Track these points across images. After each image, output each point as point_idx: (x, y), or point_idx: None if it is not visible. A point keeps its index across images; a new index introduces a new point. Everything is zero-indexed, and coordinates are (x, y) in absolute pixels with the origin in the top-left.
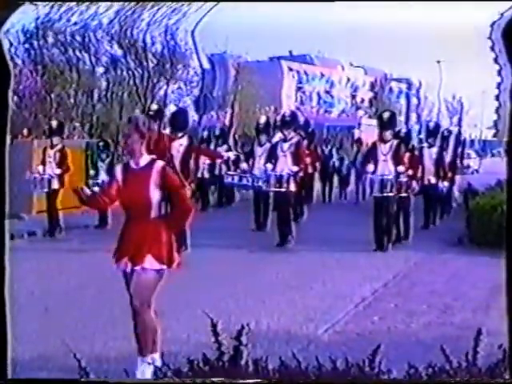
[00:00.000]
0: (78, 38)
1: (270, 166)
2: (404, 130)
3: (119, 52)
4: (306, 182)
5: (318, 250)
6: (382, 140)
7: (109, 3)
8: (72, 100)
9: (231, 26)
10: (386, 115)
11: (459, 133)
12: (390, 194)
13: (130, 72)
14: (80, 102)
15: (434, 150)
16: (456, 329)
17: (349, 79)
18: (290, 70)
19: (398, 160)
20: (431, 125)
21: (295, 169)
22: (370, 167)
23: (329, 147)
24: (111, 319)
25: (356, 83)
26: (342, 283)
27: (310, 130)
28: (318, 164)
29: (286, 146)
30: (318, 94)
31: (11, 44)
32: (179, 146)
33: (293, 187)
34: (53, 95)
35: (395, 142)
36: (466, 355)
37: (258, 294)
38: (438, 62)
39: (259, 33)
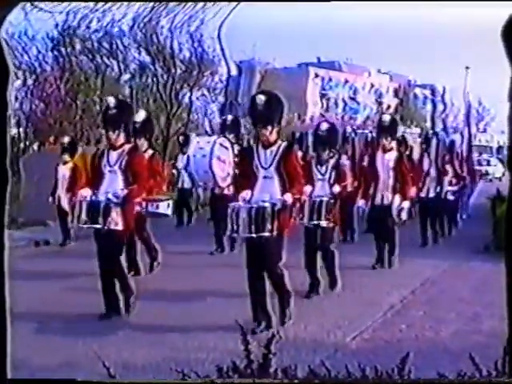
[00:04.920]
0: (106, 45)
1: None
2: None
3: (147, 59)
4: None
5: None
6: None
7: (123, 10)
8: (98, 107)
9: (261, 31)
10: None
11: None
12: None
13: (155, 79)
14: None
15: (393, 154)
16: (485, 337)
17: (373, 85)
18: (316, 76)
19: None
20: (385, 119)
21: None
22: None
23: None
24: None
25: (380, 89)
26: (371, 290)
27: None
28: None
29: (114, 154)
30: (344, 101)
31: (39, 51)
32: None
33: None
34: (78, 102)
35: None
36: (495, 364)
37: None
38: (467, 68)
39: (290, 38)
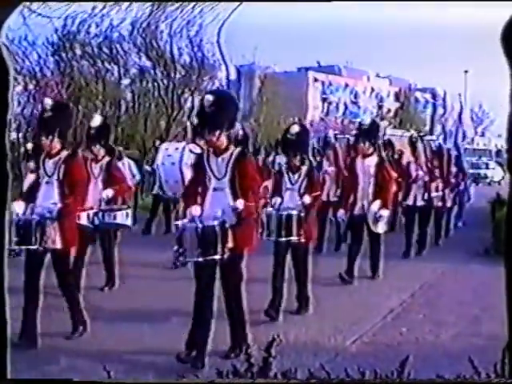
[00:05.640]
0: (106, 50)
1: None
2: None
3: (147, 63)
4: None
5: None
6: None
7: (122, 15)
8: (99, 112)
9: (261, 35)
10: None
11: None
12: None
13: (156, 83)
14: (107, 114)
15: (374, 159)
16: (484, 340)
17: (373, 89)
18: (316, 80)
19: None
20: (366, 121)
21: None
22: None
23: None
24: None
25: (381, 94)
26: (370, 294)
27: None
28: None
29: (50, 163)
30: (345, 105)
31: (40, 56)
32: None
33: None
34: (80, 107)
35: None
36: (494, 366)
37: (285, 305)
38: (466, 71)
39: (290, 40)
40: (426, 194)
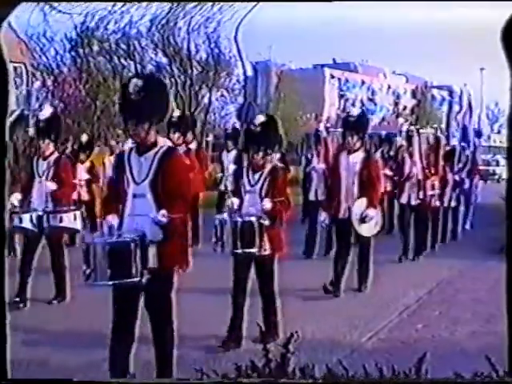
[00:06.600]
0: (123, 46)
1: None
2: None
3: (164, 60)
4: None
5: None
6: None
7: (141, 12)
8: (116, 108)
9: (276, 32)
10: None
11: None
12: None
13: (173, 79)
14: None
15: (360, 155)
16: (500, 338)
17: (389, 86)
18: (332, 77)
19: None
20: (354, 112)
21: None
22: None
23: None
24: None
25: (397, 91)
26: (386, 290)
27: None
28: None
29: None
30: (362, 102)
31: (57, 52)
32: None
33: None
34: (98, 103)
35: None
36: (510, 364)
37: (301, 302)
38: (482, 69)
39: (305, 40)
40: (421, 193)
